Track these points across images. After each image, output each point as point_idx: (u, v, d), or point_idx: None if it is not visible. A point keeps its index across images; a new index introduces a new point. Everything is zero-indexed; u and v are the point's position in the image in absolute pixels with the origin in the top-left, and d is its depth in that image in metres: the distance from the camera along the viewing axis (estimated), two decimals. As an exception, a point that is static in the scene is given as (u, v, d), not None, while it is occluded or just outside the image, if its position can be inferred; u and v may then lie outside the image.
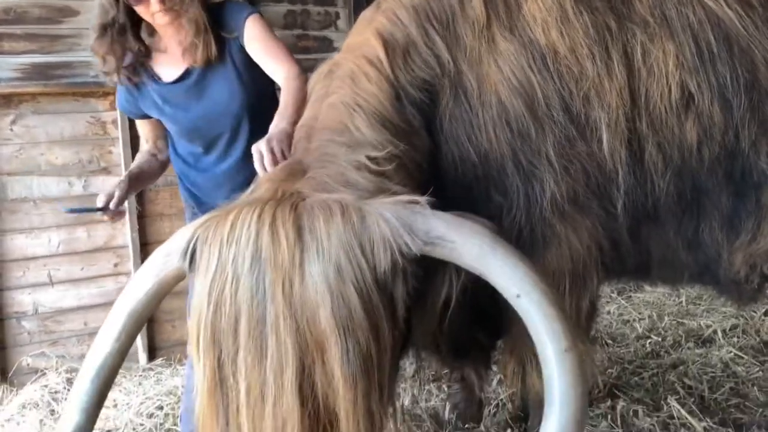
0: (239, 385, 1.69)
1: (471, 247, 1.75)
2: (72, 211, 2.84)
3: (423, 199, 1.79)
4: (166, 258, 1.86)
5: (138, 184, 2.85)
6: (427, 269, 1.88)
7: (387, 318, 1.72)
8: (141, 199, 4.40)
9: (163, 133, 2.91)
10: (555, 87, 2.31)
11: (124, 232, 4.36)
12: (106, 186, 4.26)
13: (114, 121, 4.31)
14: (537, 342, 1.70)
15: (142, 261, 4.31)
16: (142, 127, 2.94)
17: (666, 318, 4.30)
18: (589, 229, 2.40)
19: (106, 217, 2.55)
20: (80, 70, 4.20)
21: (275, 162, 2.04)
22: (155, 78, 2.69)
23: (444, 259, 1.79)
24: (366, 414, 1.68)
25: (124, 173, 4.28)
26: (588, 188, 2.37)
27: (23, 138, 4.12)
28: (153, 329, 4.48)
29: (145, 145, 2.98)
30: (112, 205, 2.50)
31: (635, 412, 2.80)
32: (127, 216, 4.31)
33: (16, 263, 4.12)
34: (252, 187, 2.05)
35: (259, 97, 2.74)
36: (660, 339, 3.98)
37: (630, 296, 4.84)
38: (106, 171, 4.34)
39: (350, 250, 1.69)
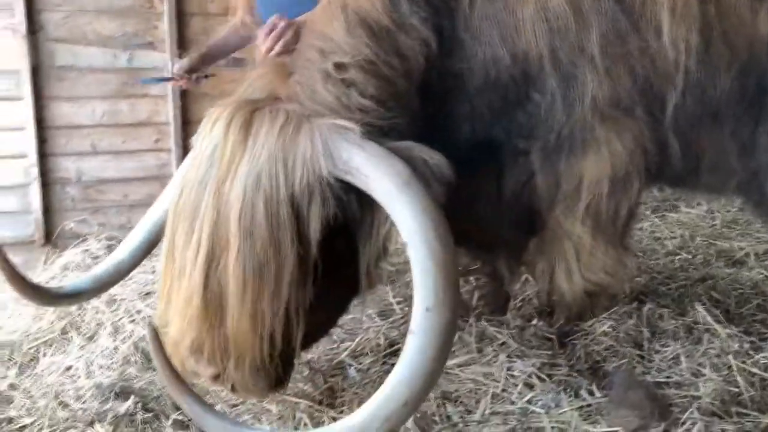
0: (175, 260, 1.95)
1: (380, 185, 1.79)
2: (147, 81, 3.28)
3: (356, 126, 1.86)
4: None
5: (210, 58, 3.00)
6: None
7: (293, 234, 1.81)
8: (184, 78, 4.41)
9: (251, 6, 2.96)
10: None
11: (167, 109, 4.40)
12: (150, 60, 4.34)
13: (161, -5, 4.28)
14: (414, 292, 1.73)
15: (183, 139, 4.43)
16: None
17: (698, 238, 4.27)
18: (633, 133, 2.35)
19: (180, 84, 2.93)
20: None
21: (275, 41, 2.22)
22: None
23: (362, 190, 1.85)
24: (252, 313, 1.84)
25: (168, 50, 4.32)
26: (634, 89, 2.30)
27: (71, 5, 4.13)
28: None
29: (232, 19, 3.05)
30: (177, 72, 2.87)
31: (660, 315, 2.83)
32: (169, 93, 4.37)
33: (60, 130, 4.21)
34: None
35: None
36: (690, 257, 3.96)
37: (664, 215, 4.80)
38: (151, 46, 4.34)
39: (275, 161, 1.81)
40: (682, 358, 2.52)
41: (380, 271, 2.05)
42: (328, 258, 1.95)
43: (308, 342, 2.24)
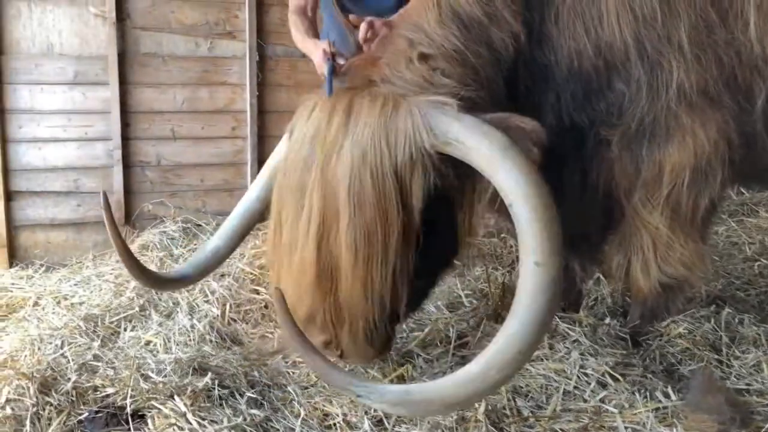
0: (283, 235, 2.10)
1: (481, 151, 1.90)
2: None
3: (453, 101, 1.96)
4: None
5: None
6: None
7: (398, 203, 1.94)
8: (262, 68, 4.52)
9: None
10: None
11: (244, 98, 4.51)
12: (230, 49, 4.45)
13: (243, -16, 4.38)
14: (520, 250, 1.83)
15: (259, 127, 4.53)
16: None
17: (779, 244, 4.12)
18: (718, 123, 2.33)
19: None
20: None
21: (369, 40, 2.35)
22: None
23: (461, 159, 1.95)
24: (363, 279, 1.97)
25: (248, 39, 4.42)
26: (721, 79, 2.30)
27: (157, -6, 4.26)
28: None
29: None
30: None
31: (741, 321, 2.75)
32: (247, 82, 4.48)
33: (143, 115, 4.36)
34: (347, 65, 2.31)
35: None
36: (770, 263, 3.83)
37: (741, 220, 4.65)
38: (230, 35, 4.45)
39: (377, 138, 1.94)
40: (764, 366, 2.45)
41: (475, 235, 2.17)
42: (426, 228, 2.05)
43: (409, 310, 2.31)
